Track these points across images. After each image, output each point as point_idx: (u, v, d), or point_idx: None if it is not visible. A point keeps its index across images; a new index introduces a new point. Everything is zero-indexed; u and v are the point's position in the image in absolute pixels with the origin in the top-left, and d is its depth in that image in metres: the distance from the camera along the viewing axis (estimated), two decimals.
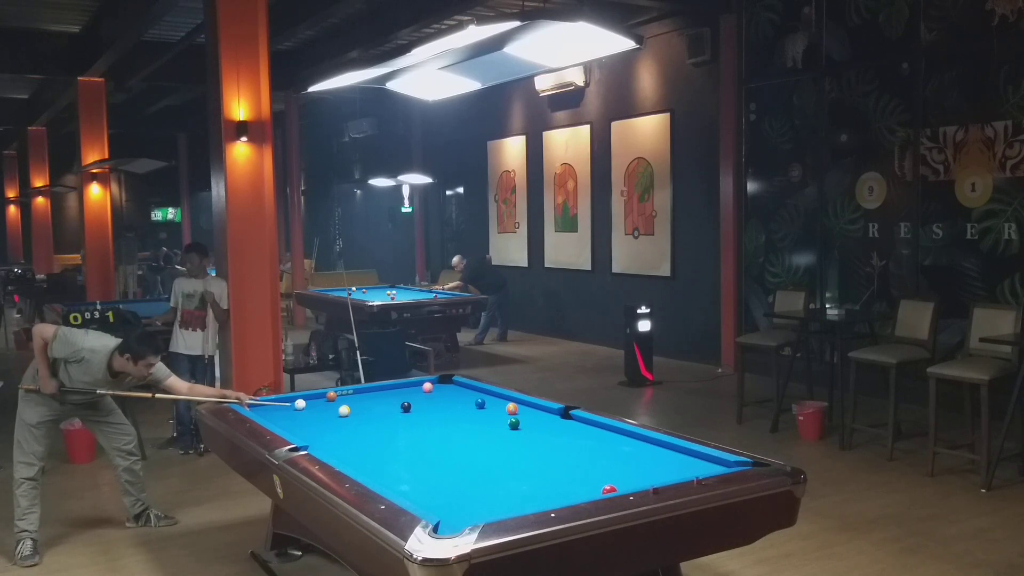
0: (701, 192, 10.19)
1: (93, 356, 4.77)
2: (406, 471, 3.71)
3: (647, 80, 10.91)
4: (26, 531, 4.79)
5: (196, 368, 6.88)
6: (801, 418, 6.95)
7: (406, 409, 4.68)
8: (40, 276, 16.36)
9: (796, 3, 8.87)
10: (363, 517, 2.91)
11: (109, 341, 4.86)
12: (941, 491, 5.64)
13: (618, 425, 4.17)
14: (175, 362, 6.83)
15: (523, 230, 13.38)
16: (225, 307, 6.91)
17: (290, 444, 3.74)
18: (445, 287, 12.48)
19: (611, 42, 5.52)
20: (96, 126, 12.58)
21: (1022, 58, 7.06)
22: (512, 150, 13.53)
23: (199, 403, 4.85)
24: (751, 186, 9.54)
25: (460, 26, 5.02)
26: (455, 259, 13.20)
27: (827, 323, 7.67)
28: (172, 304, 6.93)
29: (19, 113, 17.70)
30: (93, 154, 12.51)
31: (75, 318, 7.26)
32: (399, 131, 15.91)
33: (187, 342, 6.86)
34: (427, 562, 2.57)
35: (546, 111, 12.73)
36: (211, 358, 6.99)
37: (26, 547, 4.76)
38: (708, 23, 9.80)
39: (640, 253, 11.14)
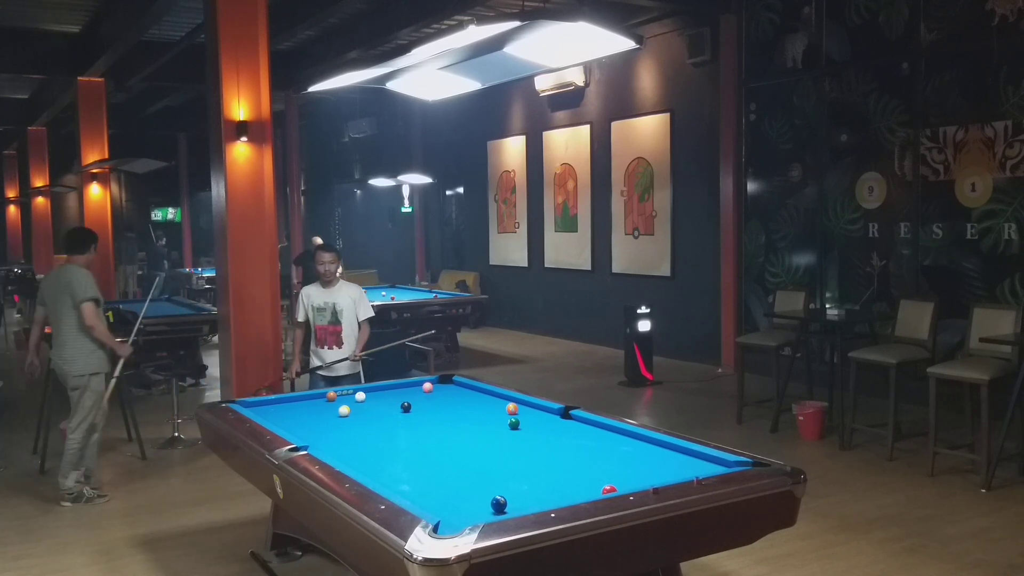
0: (701, 192, 10.19)
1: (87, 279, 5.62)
2: (406, 471, 3.70)
3: (647, 80, 10.91)
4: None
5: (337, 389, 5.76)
6: (801, 418, 6.95)
7: (406, 409, 4.68)
8: (40, 276, 16.37)
9: (796, 3, 8.87)
10: (363, 517, 2.91)
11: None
12: (941, 491, 5.64)
13: (618, 425, 4.17)
14: (317, 385, 5.91)
15: (523, 230, 13.37)
16: (364, 317, 6.02)
17: (290, 444, 3.74)
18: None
19: (611, 42, 5.52)
20: (96, 126, 12.61)
21: (1022, 58, 7.06)
22: (512, 150, 13.52)
23: None
24: (751, 186, 9.54)
25: (460, 26, 5.01)
26: (318, 239, 13.01)
27: (827, 323, 7.67)
28: (300, 318, 6.08)
29: (19, 113, 17.71)
30: (93, 154, 12.52)
31: None
32: (399, 131, 15.90)
33: (326, 362, 5.93)
34: (427, 562, 2.57)
35: (546, 111, 12.72)
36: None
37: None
38: (708, 23, 9.80)
39: (640, 253, 11.13)
